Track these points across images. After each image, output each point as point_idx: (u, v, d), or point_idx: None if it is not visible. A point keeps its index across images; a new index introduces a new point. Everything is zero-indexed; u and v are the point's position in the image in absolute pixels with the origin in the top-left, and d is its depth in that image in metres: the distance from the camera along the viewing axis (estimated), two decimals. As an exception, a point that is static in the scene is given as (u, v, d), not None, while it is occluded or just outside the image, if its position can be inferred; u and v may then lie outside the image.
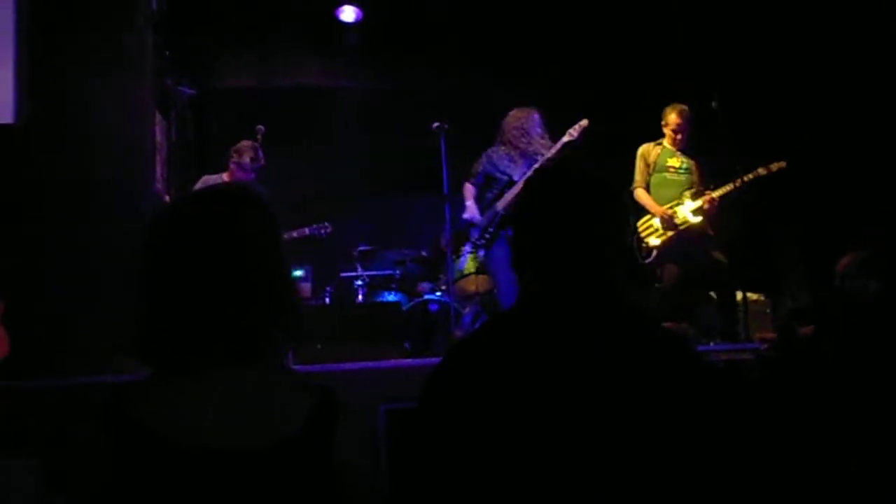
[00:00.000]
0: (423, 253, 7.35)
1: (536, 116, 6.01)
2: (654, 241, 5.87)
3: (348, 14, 7.84)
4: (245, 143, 5.93)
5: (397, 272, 7.00)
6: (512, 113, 6.05)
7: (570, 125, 6.00)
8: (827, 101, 6.78)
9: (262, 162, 5.90)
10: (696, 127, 5.98)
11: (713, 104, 5.77)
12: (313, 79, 8.36)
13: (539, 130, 5.96)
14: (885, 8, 6.18)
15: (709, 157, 5.97)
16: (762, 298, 6.63)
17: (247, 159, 5.88)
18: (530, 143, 5.89)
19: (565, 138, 5.81)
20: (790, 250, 7.31)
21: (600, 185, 1.70)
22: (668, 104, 6.00)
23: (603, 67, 7.71)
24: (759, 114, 6.96)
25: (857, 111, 6.61)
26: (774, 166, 5.66)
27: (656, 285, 5.85)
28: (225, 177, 5.95)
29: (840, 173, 6.64)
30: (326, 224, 6.40)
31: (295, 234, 6.24)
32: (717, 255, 5.74)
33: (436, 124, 5.87)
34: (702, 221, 5.76)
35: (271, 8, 7.53)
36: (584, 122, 5.81)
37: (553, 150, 5.78)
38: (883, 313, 3.14)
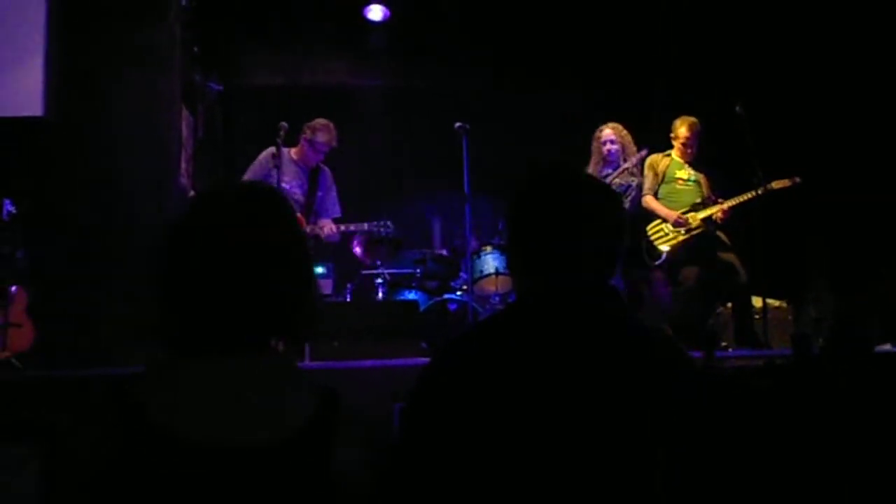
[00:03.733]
0: (444, 252, 7.36)
1: (606, 132, 6.15)
2: (664, 245, 5.86)
3: (376, 13, 7.87)
4: (321, 122, 5.83)
5: (418, 271, 7.01)
6: None
7: (593, 127, 6.14)
8: (853, 107, 6.72)
9: (336, 144, 5.80)
10: (720, 131, 5.96)
11: (737, 108, 5.74)
12: (340, 77, 8.40)
13: (608, 147, 6.07)
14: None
15: (732, 161, 5.94)
16: (784, 305, 6.58)
17: (321, 138, 5.76)
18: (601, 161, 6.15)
19: (626, 164, 5.97)
20: (816, 257, 7.25)
21: (597, 188, 1.71)
22: (687, 111, 6.00)
23: (629, 70, 7.69)
24: (786, 118, 6.91)
25: (885, 119, 6.55)
26: (788, 182, 5.64)
27: (678, 288, 5.83)
28: (293, 153, 5.88)
29: (869, 180, 6.58)
30: (388, 223, 6.20)
31: (353, 228, 6.10)
32: (730, 258, 5.72)
33: (458, 124, 5.89)
34: (713, 228, 5.76)
35: (300, 6, 7.57)
36: (643, 153, 6.04)
37: (614, 176, 5.98)
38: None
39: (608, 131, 6.12)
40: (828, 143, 6.74)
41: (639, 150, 6.11)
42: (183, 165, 6.00)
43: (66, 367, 4.23)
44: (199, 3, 6.35)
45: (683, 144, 5.88)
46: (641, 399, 1.48)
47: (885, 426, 3.10)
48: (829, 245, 7.07)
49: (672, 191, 5.94)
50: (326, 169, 5.93)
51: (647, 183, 5.99)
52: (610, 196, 1.72)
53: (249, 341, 1.49)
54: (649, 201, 5.95)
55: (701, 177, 5.94)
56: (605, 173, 5.99)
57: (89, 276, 4.89)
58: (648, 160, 6.02)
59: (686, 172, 5.93)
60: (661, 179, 5.96)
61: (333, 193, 5.98)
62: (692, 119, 5.90)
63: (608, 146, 6.08)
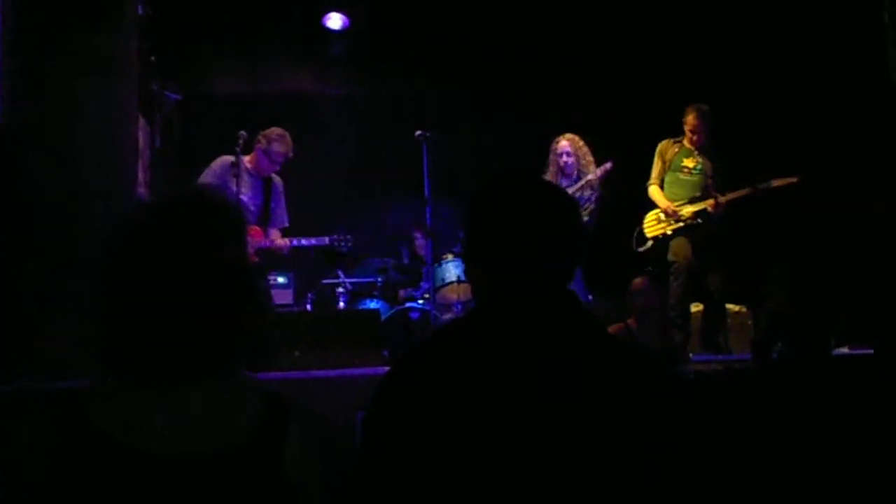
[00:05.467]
0: (405, 261, 7.36)
1: (562, 144, 6.19)
2: (654, 231, 5.88)
3: (335, 22, 7.85)
4: (276, 131, 5.68)
5: (379, 279, 7.00)
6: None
7: (554, 135, 6.19)
8: (817, 114, 6.80)
9: (292, 154, 5.67)
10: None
11: (706, 117, 5.81)
12: (300, 85, 8.38)
13: (565, 159, 6.10)
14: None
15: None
16: (743, 310, 6.65)
17: (278, 149, 5.61)
18: (558, 172, 6.19)
19: (590, 176, 6.00)
20: (775, 262, 7.32)
21: (554, 193, 1.70)
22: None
23: (591, 77, 7.74)
24: (750, 127, 6.99)
25: (847, 123, 6.63)
26: (786, 181, 5.66)
27: (671, 265, 5.80)
28: (246, 161, 5.73)
29: (830, 186, 6.66)
30: (349, 237, 5.99)
31: (314, 242, 5.91)
32: (717, 259, 5.75)
33: (418, 132, 5.89)
34: (705, 223, 5.76)
35: (259, 14, 7.54)
36: (608, 166, 6.04)
37: (575, 188, 6.00)
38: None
39: (564, 143, 6.14)
40: (802, 150, 6.80)
41: (600, 162, 6.13)
42: (140, 175, 5.92)
43: (17, 380, 4.15)
44: (155, 12, 6.29)
45: (691, 131, 5.87)
46: (610, 399, 1.48)
47: (843, 429, 3.13)
48: (787, 250, 7.15)
49: (675, 180, 5.93)
50: (278, 179, 5.86)
51: (654, 171, 6.00)
52: (567, 201, 1.71)
53: (196, 365, 1.47)
54: (652, 192, 5.96)
55: (708, 166, 5.92)
56: (563, 185, 5.98)
57: (42, 287, 4.81)
58: (659, 147, 6.04)
59: (693, 160, 5.92)
60: (668, 166, 5.97)
61: (283, 203, 5.90)
62: (701, 105, 5.90)
63: (564, 158, 6.11)
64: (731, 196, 5.69)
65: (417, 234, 6.41)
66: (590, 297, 6.36)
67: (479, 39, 7.70)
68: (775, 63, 7.04)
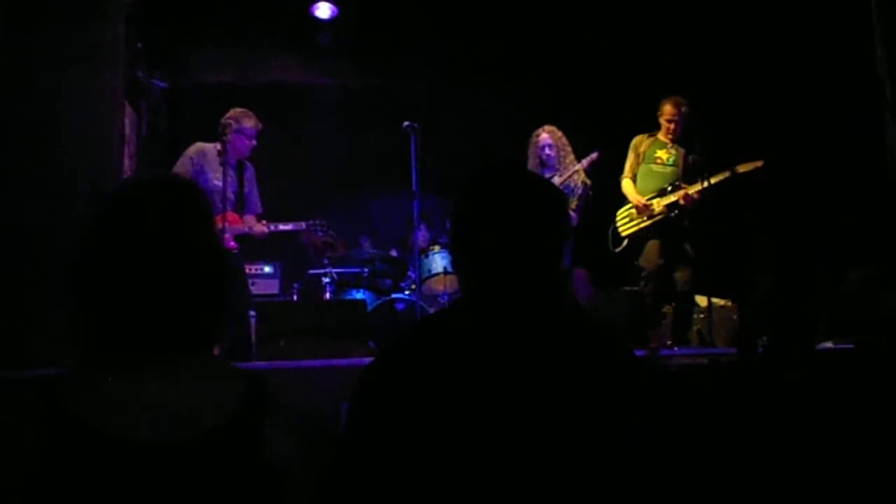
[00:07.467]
0: (393, 252, 7.35)
1: (543, 136, 6.22)
2: (628, 230, 5.87)
3: (323, 11, 7.81)
4: (239, 110, 5.72)
5: (365, 270, 6.98)
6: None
7: (544, 124, 6.19)
8: (807, 110, 6.82)
9: (261, 127, 5.72)
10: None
11: (682, 108, 5.79)
12: (288, 75, 8.33)
13: (547, 152, 6.11)
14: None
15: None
16: (729, 304, 6.66)
17: (248, 124, 5.66)
18: (539, 164, 6.22)
19: (577, 167, 6.07)
20: (761, 256, 7.34)
21: (543, 186, 1.70)
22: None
23: (578, 69, 7.74)
24: (732, 116, 7.00)
25: (829, 116, 6.65)
26: (751, 165, 5.65)
27: (641, 271, 5.81)
28: (220, 149, 5.72)
29: (814, 177, 6.68)
30: (324, 222, 6.10)
31: (292, 227, 5.97)
32: (686, 258, 5.74)
33: (406, 123, 5.87)
34: (678, 216, 5.75)
35: (247, 2, 7.49)
36: (594, 156, 6.09)
37: (563, 177, 6.05)
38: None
39: (545, 136, 6.17)
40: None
41: (588, 152, 6.13)
42: (126, 163, 5.89)
43: (4, 369, 4.13)
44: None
45: (668, 121, 5.85)
46: (592, 391, 1.49)
47: (828, 424, 3.14)
48: (772, 245, 7.17)
49: (647, 172, 5.91)
50: (250, 164, 5.86)
51: (627, 164, 5.98)
52: (555, 195, 1.71)
53: (171, 343, 1.48)
54: (625, 186, 5.95)
55: (681, 158, 5.89)
56: (546, 176, 5.98)
57: (28, 276, 4.77)
58: (633, 141, 6.02)
59: (666, 153, 5.89)
60: (642, 159, 5.95)
61: (256, 189, 5.92)
62: (678, 98, 5.87)
63: (547, 151, 6.14)
64: (699, 186, 5.66)
65: (422, 226, 6.41)
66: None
67: (468, 30, 7.68)
68: (766, 61, 7.06)
